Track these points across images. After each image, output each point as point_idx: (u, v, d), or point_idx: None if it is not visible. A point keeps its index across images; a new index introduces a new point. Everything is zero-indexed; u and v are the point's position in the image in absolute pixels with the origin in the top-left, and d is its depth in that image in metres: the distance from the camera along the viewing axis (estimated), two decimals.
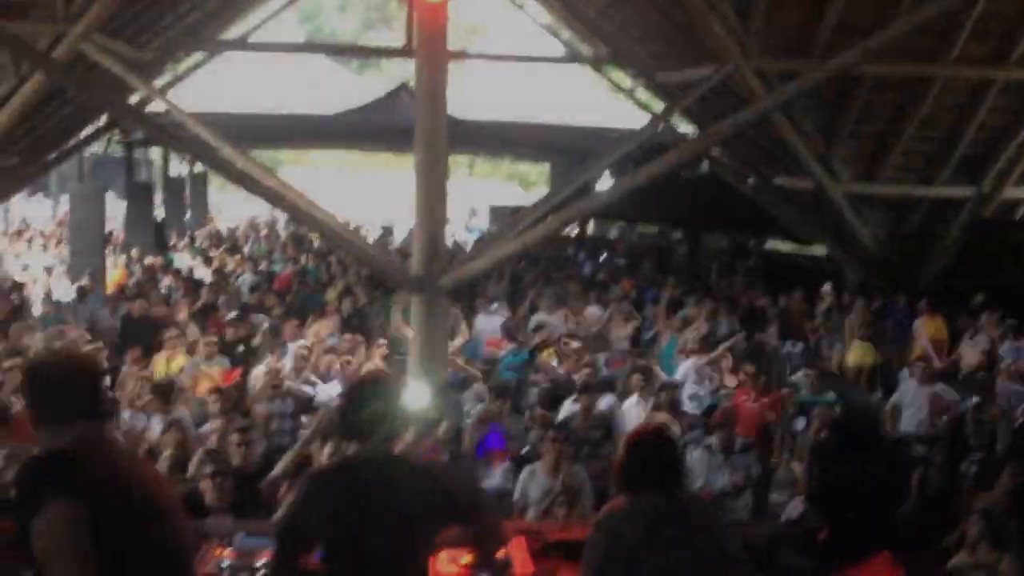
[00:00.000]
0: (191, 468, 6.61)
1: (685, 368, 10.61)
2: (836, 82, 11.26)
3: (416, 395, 7.92)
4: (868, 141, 12.22)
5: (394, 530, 3.60)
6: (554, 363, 10.81)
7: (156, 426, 8.00)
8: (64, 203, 23.38)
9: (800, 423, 8.42)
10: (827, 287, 14.29)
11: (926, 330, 12.07)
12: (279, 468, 6.67)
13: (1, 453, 6.19)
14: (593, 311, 13.28)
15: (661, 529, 3.60)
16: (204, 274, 16.27)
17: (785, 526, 4.85)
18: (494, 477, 7.67)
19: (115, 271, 17.19)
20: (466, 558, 4.43)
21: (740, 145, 13.98)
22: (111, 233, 20.58)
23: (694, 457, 8.27)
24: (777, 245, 19.01)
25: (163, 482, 3.42)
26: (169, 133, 10.98)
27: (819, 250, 16.24)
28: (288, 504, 3.73)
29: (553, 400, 9.54)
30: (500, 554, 4.48)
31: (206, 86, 18.35)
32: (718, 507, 5.77)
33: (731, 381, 10.45)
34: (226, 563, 4.44)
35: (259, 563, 4.43)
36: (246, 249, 20.74)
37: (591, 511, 5.88)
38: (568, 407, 8.97)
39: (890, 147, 12.07)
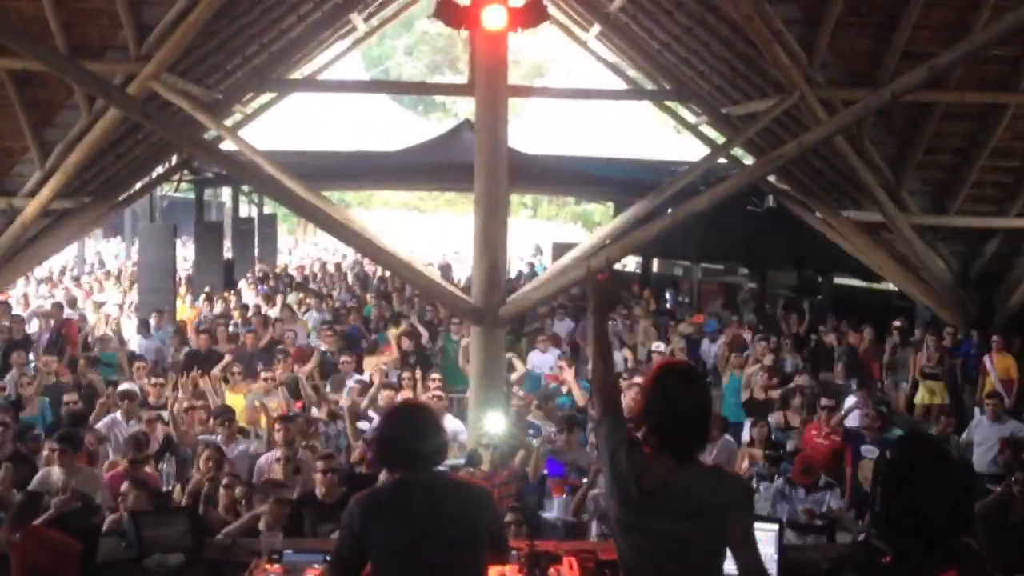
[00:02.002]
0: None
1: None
2: (905, 112, 11.08)
3: (493, 424, 7.94)
4: (939, 172, 11.96)
5: (444, 554, 3.62)
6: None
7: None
8: (134, 243, 23.92)
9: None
10: (896, 323, 13.98)
11: (996, 367, 11.73)
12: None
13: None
14: (658, 347, 13.18)
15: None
16: (272, 312, 16.45)
17: (848, 549, 4.68)
18: (553, 507, 7.59)
19: (187, 310, 17.46)
20: None
21: (807, 178, 13.79)
22: (188, 275, 21.00)
23: (763, 490, 8.10)
24: (846, 281, 18.65)
25: None
26: (244, 170, 11.16)
27: (890, 285, 15.89)
28: (341, 526, 3.75)
29: None
30: (552, 574, 4.41)
31: (271, 127, 18.66)
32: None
33: (795, 420, 10.27)
34: None
35: None
36: (313, 287, 20.94)
37: None
38: None
39: (962, 178, 11.79)
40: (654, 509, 3.48)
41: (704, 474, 3.60)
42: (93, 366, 11.55)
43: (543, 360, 12.58)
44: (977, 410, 11.22)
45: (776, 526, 4.82)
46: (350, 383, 10.85)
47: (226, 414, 8.93)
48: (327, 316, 15.88)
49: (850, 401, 10.45)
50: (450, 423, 8.85)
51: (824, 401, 9.79)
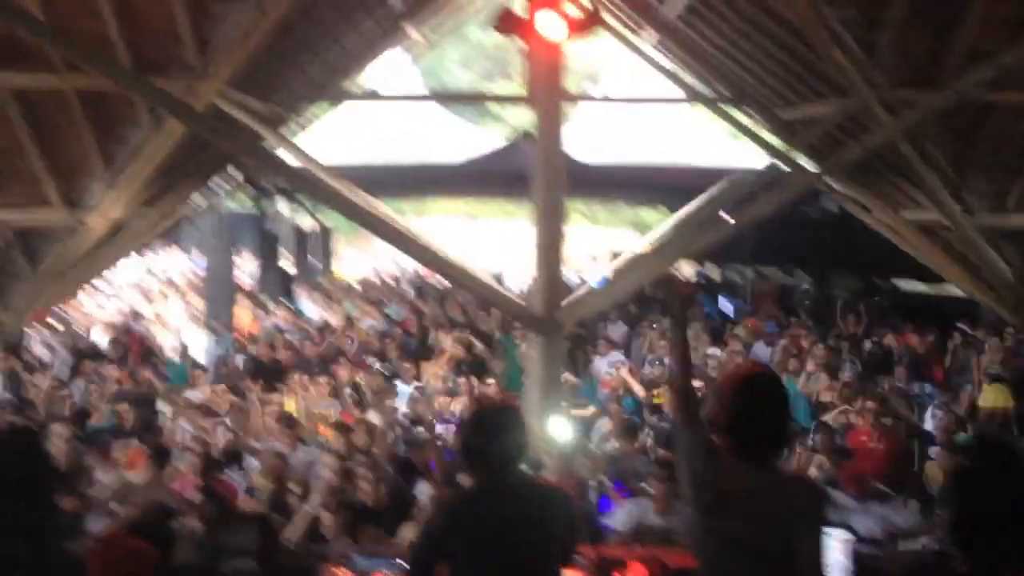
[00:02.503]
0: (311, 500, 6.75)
1: None
2: (968, 112, 10.89)
3: (559, 430, 7.97)
4: (1002, 172, 11.73)
5: (529, 558, 3.60)
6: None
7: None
8: (196, 255, 24.31)
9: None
10: (961, 326, 13.76)
11: None
12: None
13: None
14: (713, 352, 13.11)
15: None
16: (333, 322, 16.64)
17: (921, 557, 4.62)
18: (614, 514, 7.58)
19: (245, 319, 17.72)
20: None
21: (866, 179, 13.60)
22: (248, 286, 21.30)
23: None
24: (906, 283, 18.37)
25: None
26: (306, 182, 11.29)
27: (953, 288, 15.63)
28: (423, 529, 3.74)
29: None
30: None
31: (328, 139, 18.83)
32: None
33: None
34: None
35: None
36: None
37: None
38: None
39: None
40: (731, 514, 3.49)
41: (784, 480, 3.60)
42: (154, 373, 11.84)
43: (603, 365, 12.60)
44: None
45: (849, 534, 4.77)
46: (408, 389, 10.96)
47: (289, 421, 9.06)
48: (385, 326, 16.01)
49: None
50: None
51: (868, 404, 9.68)
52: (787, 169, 14.20)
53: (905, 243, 13.55)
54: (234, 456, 8.93)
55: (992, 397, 11.93)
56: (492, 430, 3.71)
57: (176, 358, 13.97)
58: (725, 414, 3.58)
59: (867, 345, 14.37)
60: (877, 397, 10.16)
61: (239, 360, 13.37)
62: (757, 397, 3.54)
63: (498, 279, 24.03)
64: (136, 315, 17.61)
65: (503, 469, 3.68)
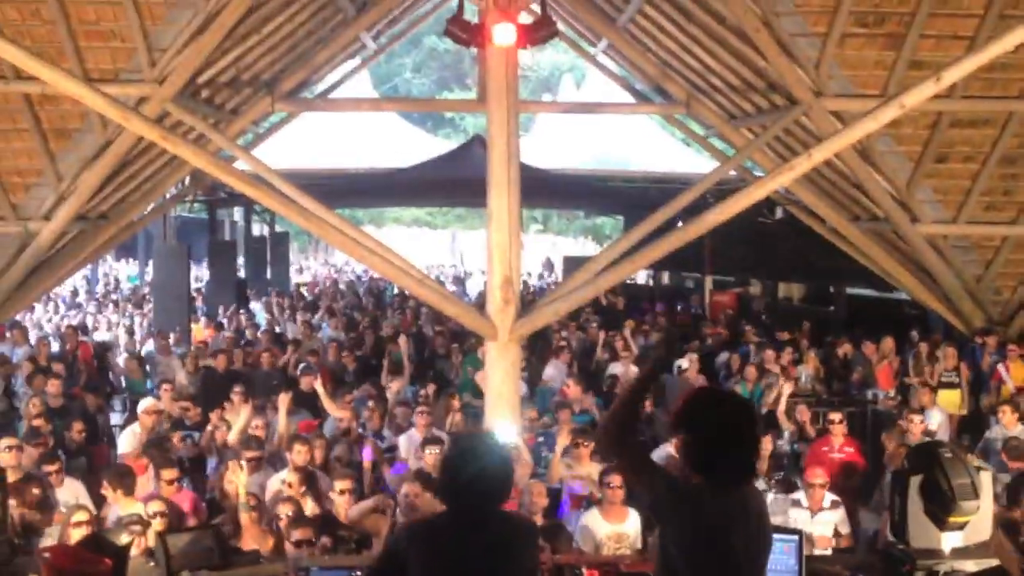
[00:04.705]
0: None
1: None
2: (913, 121, 11.10)
3: (504, 433, 7.97)
4: (950, 181, 11.97)
5: None
6: None
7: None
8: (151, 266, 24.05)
9: None
10: (915, 333, 13.96)
11: (1012, 375, 11.73)
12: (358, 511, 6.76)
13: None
14: (681, 363, 13.14)
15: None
16: (287, 330, 16.53)
17: (868, 557, 4.71)
18: (571, 520, 7.61)
19: (200, 329, 17.54)
20: None
21: (818, 188, 13.80)
22: (202, 294, 21.09)
23: (771, 501, 8.09)
24: (858, 291, 18.61)
25: None
26: (259, 189, 11.20)
27: (902, 294, 15.87)
28: (386, 548, 3.69)
29: None
30: None
31: (283, 147, 18.73)
32: None
33: (811, 431, 10.29)
34: None
35: None
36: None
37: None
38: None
39: (972, 186, 11.80)
40: (709, 550, 3.51)
41: (751, 502, 3.64)
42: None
43: (554, 373, 12.62)
44: (992, 418, 11.20)
45: (796, 537, 4.84)
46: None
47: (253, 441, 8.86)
48: (340, 334, 15.88)
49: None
50: None
51: (832, 415, 9.78)
52: (736, 177, 14.50)
53: (856, 252, 13.76)
54: (197, 465, 8.85)
55: (944, 402, 12.13)
56: (459, 461, 3.66)
57: (131, 370, 13.77)
58: (699, 449, 3.53)
59: (821, 352, 14.49)
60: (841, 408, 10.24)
61: (195, 372, 13.18)
62: (731, 428, 3.49)
63: (461, 282, 24.14)
64: (86, 331, 17.37)
65: (469, 500, 3.64)
